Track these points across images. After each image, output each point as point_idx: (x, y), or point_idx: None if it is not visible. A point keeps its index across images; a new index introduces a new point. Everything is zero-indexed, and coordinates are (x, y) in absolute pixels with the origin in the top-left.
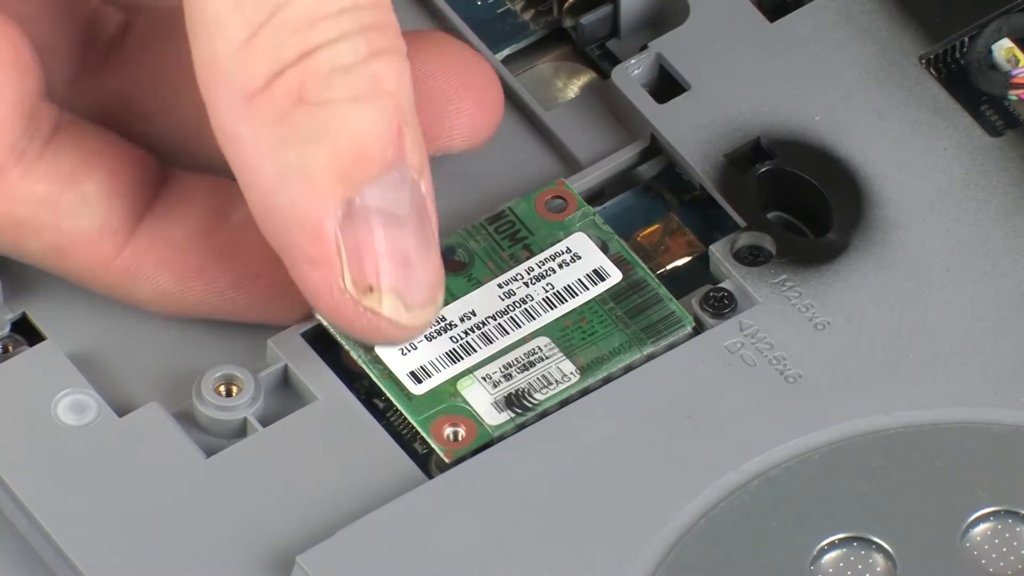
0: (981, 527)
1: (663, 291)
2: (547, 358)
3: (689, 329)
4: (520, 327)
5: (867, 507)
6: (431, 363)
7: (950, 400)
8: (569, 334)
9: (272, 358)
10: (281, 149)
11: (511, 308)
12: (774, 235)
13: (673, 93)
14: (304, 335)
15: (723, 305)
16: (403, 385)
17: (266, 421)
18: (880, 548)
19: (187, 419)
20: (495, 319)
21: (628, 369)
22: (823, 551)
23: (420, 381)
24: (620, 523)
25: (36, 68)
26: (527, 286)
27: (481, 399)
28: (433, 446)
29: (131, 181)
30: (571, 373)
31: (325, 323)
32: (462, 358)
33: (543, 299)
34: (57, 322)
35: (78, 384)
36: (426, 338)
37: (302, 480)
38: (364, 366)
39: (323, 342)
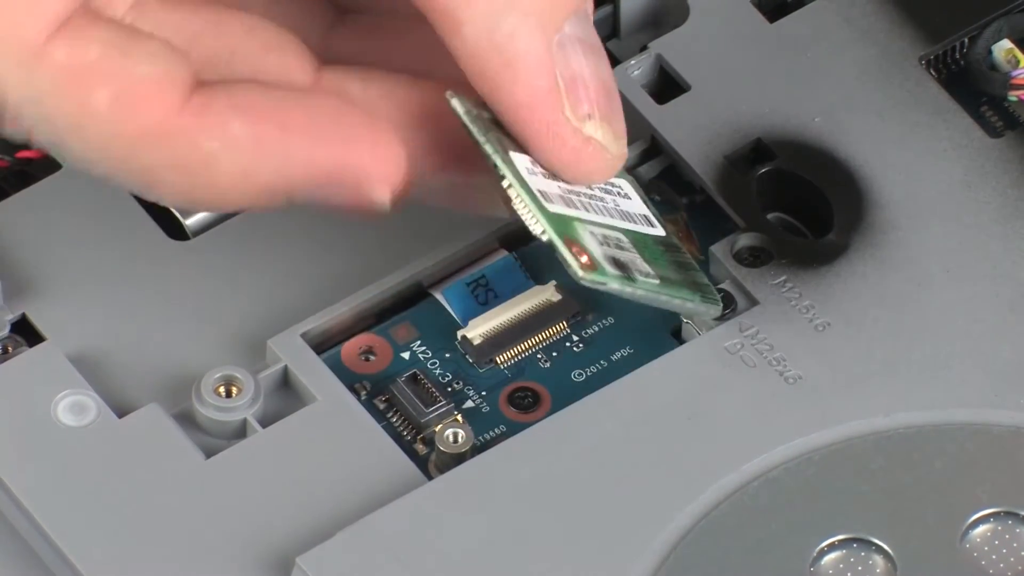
0: (981, 528)
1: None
2: (632, 252)
3: (719, 310)
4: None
5: (867, 508)
6: (552, 193)
7: (950, 401)
8: (639, 246)
9: (272, 359)
10: None
11: (594, 199)
12: (774, 236)
13: (673, 94)
14: (304, 336)
15: (723, 306)
16: (536, 195)
17: (266, 422)
18: (880, 549)
19: (187, 420)
20: (588, 196)
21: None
22: (823, 552)
23: (549, 201)
24: (620, 524)
25: None
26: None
27: (593, 245)
28: (569, 260)
29: (208, 34)
30: (651, 275)
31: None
32: (574, 207)
33: (612, 208)
34: (57, 323)
35: (78, 385)
36: (542, 175)
37: (302, 481)
38: (502, 166)
39: (322, 343)
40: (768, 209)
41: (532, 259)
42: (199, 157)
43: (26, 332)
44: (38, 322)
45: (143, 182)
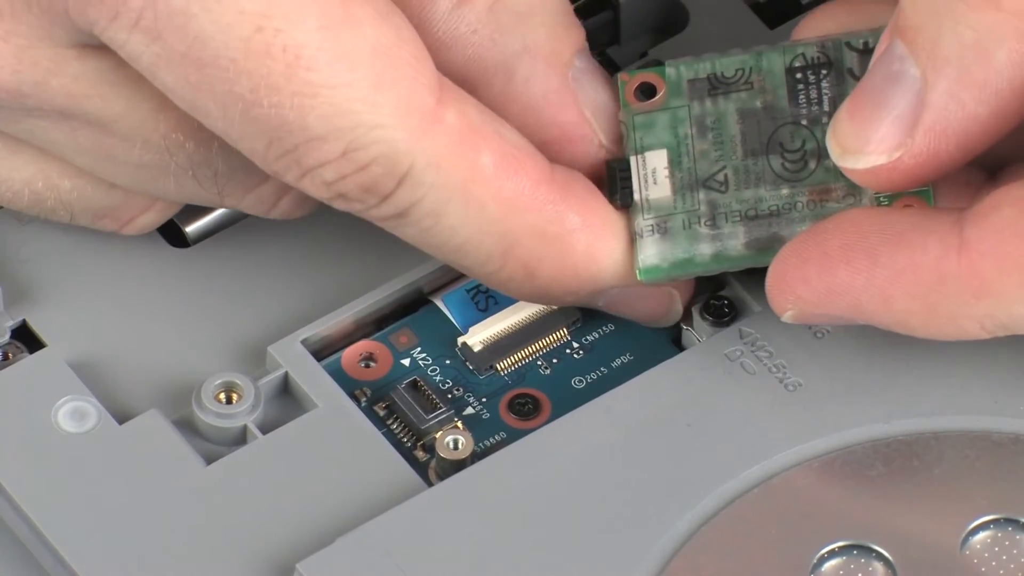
0: (981, 535)
1: None
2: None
3: None
4: None
5: (867, 515)
6: None
7: (949, 408)
8: None
9: (272, 365)
10: (501, 34)
11: None
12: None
13: None
14: (304, 342)
15: (723, 313)
16: None
17: (266, 428)
18: (880, 556)
19: (187, 426)
20: None
21: None
22: (823, 559)
23: None
24: (620, 531)
25: None
26: None
27: None
28: None
29: None
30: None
31: None
32: None
33: None
34: (57, 329)
35: (78, 391)
36: None
37: (302, 487)
38: None
39: (323, 350)
40: None
41: None
42: (559, 230)
43: (26, 338)
44: (38, 328)
45: (502, 247)
